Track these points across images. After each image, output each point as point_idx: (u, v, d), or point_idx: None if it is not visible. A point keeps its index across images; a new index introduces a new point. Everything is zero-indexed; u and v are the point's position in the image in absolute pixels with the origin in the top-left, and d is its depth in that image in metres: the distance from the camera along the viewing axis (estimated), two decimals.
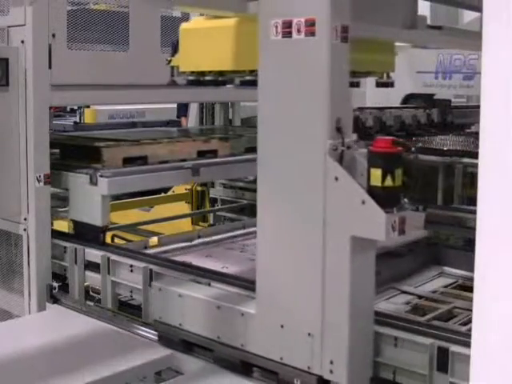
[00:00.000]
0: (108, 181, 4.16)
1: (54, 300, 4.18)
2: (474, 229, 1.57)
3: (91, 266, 4.21)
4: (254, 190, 3.14)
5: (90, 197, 4.24)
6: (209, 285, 3.63)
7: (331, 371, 2.85)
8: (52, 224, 4.48)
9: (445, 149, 5.97)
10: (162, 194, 6.55)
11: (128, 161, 4.54)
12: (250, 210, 5.49)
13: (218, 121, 6.23)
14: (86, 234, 4.33)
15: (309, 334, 2.89)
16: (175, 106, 8.01)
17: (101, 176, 4.18)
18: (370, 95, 9.33)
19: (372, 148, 2.74)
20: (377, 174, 2.69)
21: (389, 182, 2.68)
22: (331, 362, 2.84)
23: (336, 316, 2.82)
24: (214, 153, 5.01)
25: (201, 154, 4.93)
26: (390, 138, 2.77)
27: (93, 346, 3.58)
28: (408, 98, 8.96)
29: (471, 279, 1.60)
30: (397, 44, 4.78)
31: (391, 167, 2.69)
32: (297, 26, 2.80)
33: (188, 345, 3.44)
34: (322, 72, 2.76)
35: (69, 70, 4.38)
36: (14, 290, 4.37)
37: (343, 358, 2.81)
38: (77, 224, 4.42)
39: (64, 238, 4.44)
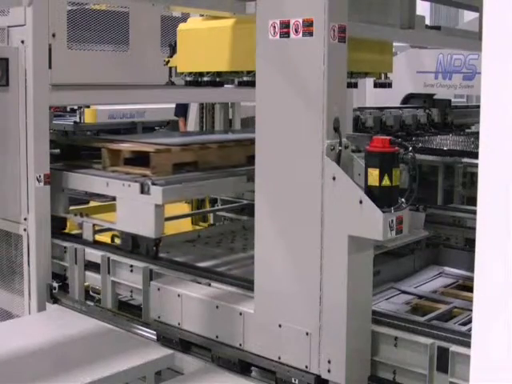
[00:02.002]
0: (162, 189, 3.79)
1: (54, 300, 4.18)
2: (473, 229, 1.57)
3: (91, 266, 4.21)
4: (254, 190, 3.14)
5: (141, 206, 3.86)
6: (209, 285, 3.64)
7: (329, 370, 2.85)
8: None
9: (445, 149, 5.98)
10: None
11: (177, 166, 4.17)
12: (250, 210, 5.49)
13: (217, 121, 6.23)
14: (136, 246, 4.07)
15: (307, 334, 2.90)
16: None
17: (153, 184, 3.82)
18: (370, 95, 9.32)
19: (369, 148, 2.75)
20: (374, 173, 2.69)
21: (386, 181, 2.68)
22: (329, 361, 2.85)
23: (334, 315, 2.82)
24: None
25: (250, 160, 4.43)
26: (388, 137, 2.77)
27: (93, 346, 3.59)
28: (408, 98, 8.95)
29: (471, 279, 1.60)
30: (396, 44, 4.78)
31: (388, 167, 2.70)
32: (294, 26, 2.80)
33: (186, 344, 3.44)
34: (319, 72, 2.76)
35: (69, 70, 4.39)
36: (14, 290, 4.38)
37: (341, 357, 2.81)
38: (125, 235, 4.12)
39: (64, 237, 4.45)
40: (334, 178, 2.77)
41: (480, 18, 4.50)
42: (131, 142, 4.47)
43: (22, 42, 4.12)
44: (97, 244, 4.37)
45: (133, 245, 4.07)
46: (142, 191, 3.84)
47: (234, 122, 6.42)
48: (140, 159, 4.15)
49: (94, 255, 4.18)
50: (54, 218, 4.44)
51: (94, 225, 4.38)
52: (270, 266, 3.03)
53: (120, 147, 4.36)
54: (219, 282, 3.65)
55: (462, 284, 4.23)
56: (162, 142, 4.42)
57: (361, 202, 2.70)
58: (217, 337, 3.29)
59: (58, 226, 4.53)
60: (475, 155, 4.87)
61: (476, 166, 5.00)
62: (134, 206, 3.91)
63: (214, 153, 4.42)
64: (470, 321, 3.30)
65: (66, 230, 4.95)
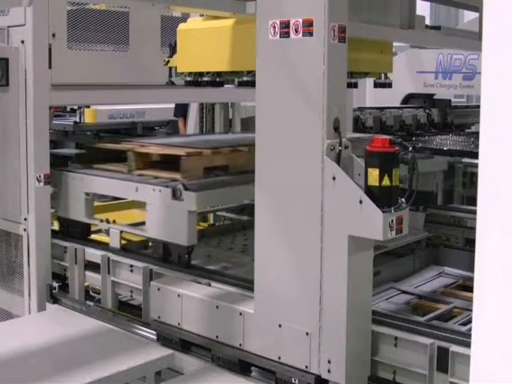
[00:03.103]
0: (196, 195, 3.63)
1: (54, 300, 4.18)
2: (474, 229, 1.57)
3: (91, 266, 4.21)
4: None
5: (173, 213, 3.71)
6: (209, 285, 3.64)
7: (329, 370, 2.85)
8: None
9: (445, 149, 5.99)
10: None
11: (207, 170, 4.01)
12: (250, 210, 5.48)
13: (218, 121, 6.23)
14: (167, 254, 3.89)
15: (307, 334, 2.90)
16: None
17: (186, 189, 3.65)
18: (370, 95, 9.32)
19: (369, 148, 2.75)
20: (374, 173, 2.70)
21: (386, 181, 2.68)
22: (329, 361, 2.85)
23: (334, 315, 2.82)
24: None
25: None
26: (388, 137, 2.77)
27: (93, 346, 3.59)
28: (408, 98, 8.96)
29: (471, 279, 1.60)
30: (396, 44, 4.78)
31: (388, 167, 2.70)
32: (294, 26, 2.80)
33: (186, 344, 3.44)
34: (319, 72, 2.76)
35: (69, 70, 4.39)
36: (14, 290, 4.38)
37: (341, 357, 2.81)
38: (156, 243, 3.98)
39: (64, 237, 4.44)
40: (334, 178, 2.77)
41: (480, 18, 4.50)
42: (156, 145, 4.28)
43: (22, 42, 4.12)
44: (97, 244, 4.37)
45: (164, 252, 3.91)
46: (174, 196, 3.68)
47: (234, 121, 6.43)
48: (167, 163, 4.00)
49: (94, 255, 4.18)
50: (77, 224, 4.38)
51: (121, 232, 4.20)
52: (269, 266, 3.03)
53: (148, 150, 4.17)
54: (219, 282, 3.65)
55: (461, 284, 4.23)
56: (189, 144, 4.24)
57: (361, 201, 2.70)
58: (217, 337, 3.29)
59: (81, 232, 4.44)
60: (475, 155, 4.87)
61: (476, 166, 5.00)
62: (166, 213, 3.75)
63: (245, 156, 4.20)
64: (469, 321, 3.30)
65: None
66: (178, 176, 3.86)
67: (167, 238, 3.82)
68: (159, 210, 3.80)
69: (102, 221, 4.35)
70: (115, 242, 4.19)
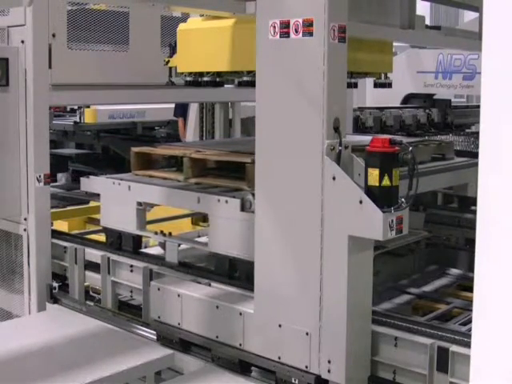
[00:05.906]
0: None
1: (54, 300, 4.18)
2: (474, 229, 1.57)
3: (91, 266, 4.21)
4: None
5: (241, 226, 3.42)
6: (209, 285, 3.64)
7: (329, 370, 2.86)
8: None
9: None
10: None
11: None
12: None
13: (217, 121, 6.23)
14: (234, 270, 3.60)
15: (307, 334, 2.90)
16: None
17: None
18: (370, 95, 9.33)
19: (369, 148, 2.75)
20: (374, 173, 2.70)
21: (386, 181, 2.69)
22: (329, 361, 2.85)
23: (334, 315, 2.83)
24: None
25: None
26: (388, 137, 2.78)
27: (93, 346, 3.59)
28: (408, 98, 8.98)
29: (471, 279, 1.60)
30: (396, 44, 4.77)
31: (388, 167, 2.70)
32: (294, 26, 2.81)
33: (186, 344, 3.44)
34: (319, 72, 2.77)
35: (69, 70, 4.39)
36: (14, 290, 4.38)
37: (341, 357, 2.82)
38: (221, 258, 3.64)
39: (64, 237, 4.44)
40: (334, 178, 2.77)
41: (480, 18, 4.50)
42: (212, 150, 3.98)
43: (22, 41, 4.12)
44: (99, 244, 4.36)
45: (230, 268, 3.62)
46: (243, 208, 3.38)
47: (234, 121, 6.42)
48: (223, 169, 3.80)
49: (94, 255, 4.18)
50: (128, 236, 4.07)
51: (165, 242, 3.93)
52: (269, 266, 3.03)
53: (206, 156, 3.87)
54: (219, 282, 3.65)
55: (461, 284, 4.23)
56: (245, 149, 3.89)
57: (361, 202, 2.70)
58: (217, 337, 3.29)
59: (132, 245, 4.07)
60: (475, 155, 4.87)
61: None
62: (233, 226, 3.47)
63: None
64: (469, 321, 3.30)
65: (67, 230, 4.95)
66: (242, 185, 3.58)
67: (234, 253, 3.52)
68: (225, 223, 3.51)
69: (156, 233, 4.01)
70: (173, 257, 3.89)
